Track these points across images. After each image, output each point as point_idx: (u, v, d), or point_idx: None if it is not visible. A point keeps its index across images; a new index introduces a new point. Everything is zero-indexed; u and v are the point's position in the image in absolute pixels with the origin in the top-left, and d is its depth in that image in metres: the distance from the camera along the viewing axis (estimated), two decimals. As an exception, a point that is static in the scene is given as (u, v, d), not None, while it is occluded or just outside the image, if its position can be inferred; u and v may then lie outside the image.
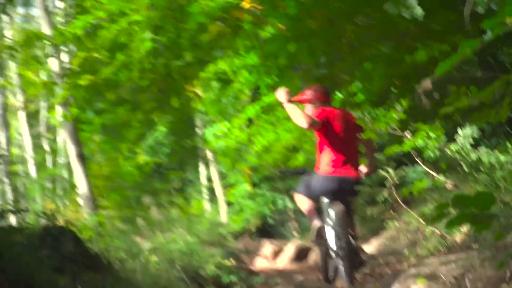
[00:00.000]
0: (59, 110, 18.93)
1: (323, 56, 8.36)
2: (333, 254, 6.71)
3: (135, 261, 6.77)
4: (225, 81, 13.46)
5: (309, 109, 6.65)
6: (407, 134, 5.47)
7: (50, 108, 19.78)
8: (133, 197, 15.18)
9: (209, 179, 22.92)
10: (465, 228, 4.92)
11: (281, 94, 6.59)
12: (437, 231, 5.15)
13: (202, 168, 22.74)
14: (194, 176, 24.55)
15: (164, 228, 10.20)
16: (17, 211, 5.40)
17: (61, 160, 19.66)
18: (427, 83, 2.81)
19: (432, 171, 5.58)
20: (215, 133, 20.03)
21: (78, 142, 11.33)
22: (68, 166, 18.54)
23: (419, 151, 5.46)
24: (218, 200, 22.19)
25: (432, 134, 5.24)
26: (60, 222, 6.03)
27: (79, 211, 15.96)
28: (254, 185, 21.31)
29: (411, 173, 15.07)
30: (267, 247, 12.51)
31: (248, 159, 19.51)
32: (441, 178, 5.40)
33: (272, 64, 8.88)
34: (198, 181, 23.96)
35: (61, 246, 5.26)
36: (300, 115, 6.33)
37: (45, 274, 4.53)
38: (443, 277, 3.63)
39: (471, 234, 4.56)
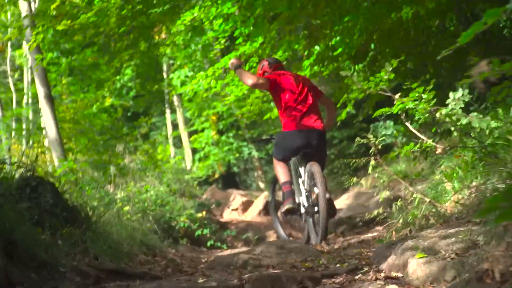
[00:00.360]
0: (25, 49, 18.46)
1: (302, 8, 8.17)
2: (304, 214, 7.03)
3: (109, 212, 6.62)
4: (198, 28, 13.24)
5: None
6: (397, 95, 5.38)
7: (17, 48, 19.27)
8: (101, 142, 14.92)
9: (175, 125, 22.71)
10: (455, 198, 4.85)
11: (232, 62, 7.18)
12: (426, 199, 5.06)
13: (168, 114, 22.49)
14: (160, 122, 24.36)
15: (136, 177, 10.05)
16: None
17: (26, 100, 19.25)
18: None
19: (421, 134, 5.48)
20: (182, 79, 19.88)
21: (46, 84, 10.95)
22: (34, 107, 18.19)
23: (407, 113, 5.38)
24: (184, 146, 22.04)
25: (424, 96, 5.14)
26: (38, 172, 5.83)
27: (44, 152, 15.71)
28: (220, 132, 21.22)
29: (382, 128, 15.14)
30: (237, 199, 12.47)
31: (216, 106, 19.41)
32: (430, 142, 5.32)
33: (248, 13, 8.73)
34: (164, 127, 23.75)
35: (40, 198, 5.10)
36: (246, 76, 6.92)
37: (26, 228, 4.37)
38: (443, 252, 3.55)
39: (468, 207, 4.45)
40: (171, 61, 21.22)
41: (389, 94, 5.39)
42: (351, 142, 15.79)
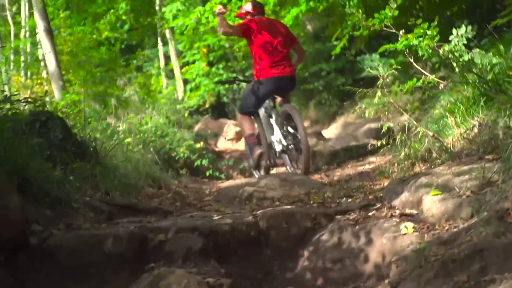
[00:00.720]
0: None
1: None
2: (279, 152, 7.29)
3: (113, 144, 6.51)
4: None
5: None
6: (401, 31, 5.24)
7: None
8: (99, 74, 14.64)
9: (167, 57, 22.42)
10: (457, 133, 4.72)
11: (218, 8, 7.09)
12: (429, 132, 4.95)
13: (160, 46, 22.14)
14: (153, 54, 24.05)
15: (135, 109, 9.92)
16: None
17: (24, 33, 18.81)
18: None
19: (424, 70, 5.36)
20: (174, 13, 19.55)
21: (46, 17, 10.69)
22: (32, 40, 17.80)
23: (410, 49, 5.26)
24: (176, 77, 21.82)
25: (428, 32, 5.00)
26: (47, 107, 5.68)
27: (42, 84, 15.46)
28: (210, 64, 21.00)
29: (368, 61, 15.01)
30: (231, 128, 12.35)
31: (206, 39, 19.12)
32: (432, 77, 5.19)
33: None
34: (156, 58, 23.45)
35: (50, 133, 4.95)
36: (221, 24, 7.02)
37: (38, 164, 4.25)
38: (457, 189, 3.46)
39: (476, 143, 4.30)
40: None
41: (393, 30, 5.26)
42: (338, 74, 15.67)
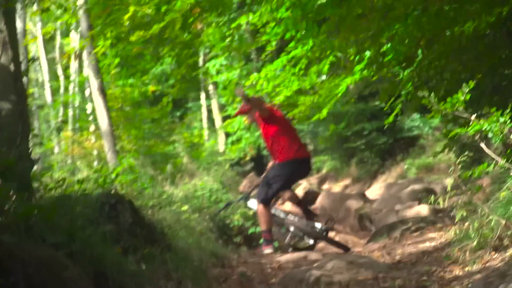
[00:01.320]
0: (73, 37, 18.12)
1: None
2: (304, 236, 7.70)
3: (170, 212, 6.30)
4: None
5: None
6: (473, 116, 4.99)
7: (66, 36, 19.00)
8: (150, 132, 14.63)
9: (209, 111, 22.49)
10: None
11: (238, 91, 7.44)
12: (502, 220, 4.65)
13: (203, 99, 22.23)
14: (195, 107, 24.13)
15: (191, 173, 9.75)
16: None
17: (73, 88, 18.96)
18: None
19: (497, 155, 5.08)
20: (218, 68, 19.60)
21: (99, 75, 10.69)
22: (81, 95, 17.93)
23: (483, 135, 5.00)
24: (217, 130, 21.85)
25: (501, 119, 4.73)
26: (116, 189, 5.48)
27: (91, 139, 15.46)
28: (251, 117, 20.95)
29: (409, 121, 14.83)
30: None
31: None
32: (503, 162, 4.91)
33: (298, 17, 8.40)
34: (198, 111, 23.52)
35: (119, 217, 4.72)
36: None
37: (112, 255, 4.01)
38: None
39: None
40: (206, 50, 20.84)
41: (465, 116, 5.01)
42: (379, 134, 15.43)
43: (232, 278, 5.34)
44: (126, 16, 7.35)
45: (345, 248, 7.53)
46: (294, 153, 7.22)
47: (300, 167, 7.36)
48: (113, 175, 7.01)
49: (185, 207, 7.45)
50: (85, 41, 9.69)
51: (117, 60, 13.47)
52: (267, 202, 7.30)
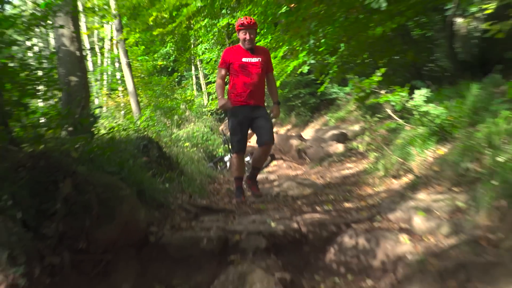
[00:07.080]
0: (106, 28, 17.45)
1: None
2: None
3: (177, 147, 6.22)
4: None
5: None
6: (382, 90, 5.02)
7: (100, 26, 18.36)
8: (159, 92, 14.37)
9: (197, 78, 22.18)
10: (419, 160, 4.49)
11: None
12: (400, 159, 4.73)
13: (193, 71, 21.88)
14: (189, 75, 23.73)
15: (188, 120, 9.62)
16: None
17: (106, 62, 18.43)
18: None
19: (396, 117, 5.14)
20: (203, 50, 19.19)
21: (127, 55, 10.38)
22: (113, 67, 17.44)
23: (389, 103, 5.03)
24: (203, 91, 21.59)
25: (401, 93, 4.78)
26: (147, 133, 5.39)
27: (120, 96, 15.13)
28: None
29: (330, 89, 14.74)
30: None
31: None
32: (401, 121, 4.99)
33: (262, 20, 8.26)
34: (190, 78, 23.14)
35: (149, 152, 4.68)
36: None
37: (147, 178, 3.98)
38: (436, 212, 3.25)
39: (443, 169, 4.04)
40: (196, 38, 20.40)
41: (377, 90, 5.03)
42: (311, 96, 15.38)
43: (222, 192, 5.36)
44: (151, 19, 7.18)
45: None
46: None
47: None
48: (139, 122, 6.90)
49: (187, 144, 7.38)
50: (122, 35, 9.42)
51: (142, 48, 13.24)
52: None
